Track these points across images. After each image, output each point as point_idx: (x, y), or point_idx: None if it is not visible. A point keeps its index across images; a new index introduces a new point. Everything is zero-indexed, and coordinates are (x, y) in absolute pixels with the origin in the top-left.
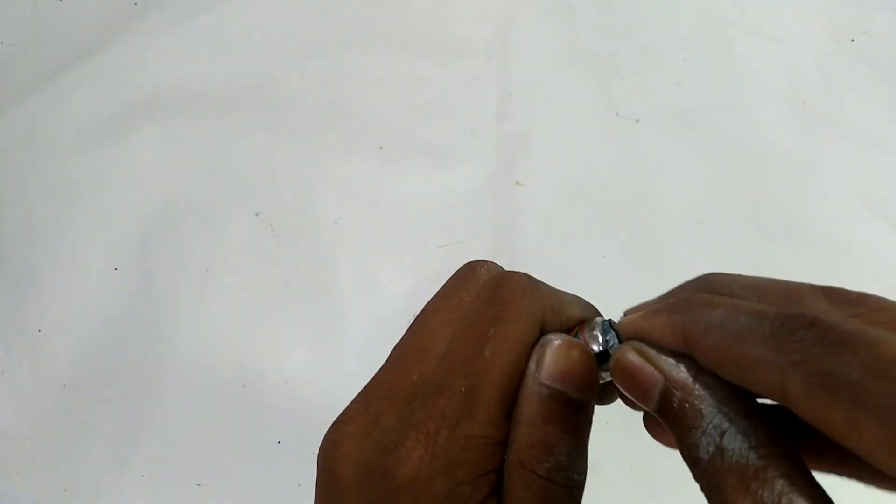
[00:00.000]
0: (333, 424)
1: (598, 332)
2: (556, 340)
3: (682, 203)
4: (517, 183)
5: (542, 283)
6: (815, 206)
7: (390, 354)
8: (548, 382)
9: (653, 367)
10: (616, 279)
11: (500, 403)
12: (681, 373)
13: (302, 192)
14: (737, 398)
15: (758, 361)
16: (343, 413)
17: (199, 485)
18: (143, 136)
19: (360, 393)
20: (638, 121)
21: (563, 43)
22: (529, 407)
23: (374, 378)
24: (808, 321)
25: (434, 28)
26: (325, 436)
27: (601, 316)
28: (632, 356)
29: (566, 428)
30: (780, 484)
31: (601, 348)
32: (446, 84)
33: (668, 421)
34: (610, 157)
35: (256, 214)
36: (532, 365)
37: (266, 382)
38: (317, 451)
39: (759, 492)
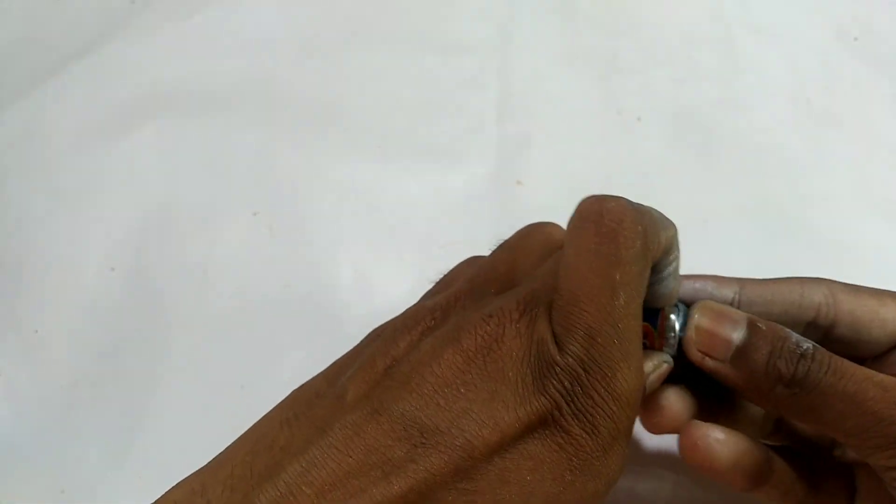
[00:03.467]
0: (486, 317)
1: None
2: None
3: (685, 202)
4: (518, 182)
5: (646, 210)
6: (819, 205)
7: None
8: None
9: (732, 309)
10: None
11: (640, 352)
12: (751, 315)
13: (301, 192)
14: None
15: None
16: (495, 307)
17: None
18: (141, 136)
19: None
20: (640, 119)
21: (564, 41)
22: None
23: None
24: None
25: (434, 27)
26: (479, 321)
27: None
28: (714, 304)
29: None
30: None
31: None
32: (446, 83)
33: (757, 346)
34: (611, 155)
35: (255, 214)
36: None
37: (265, 383)
38: None
39: (860, 368)
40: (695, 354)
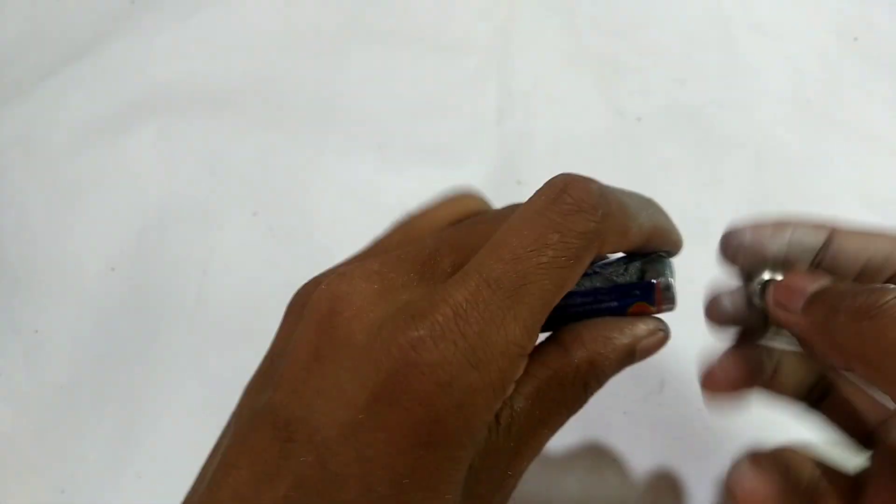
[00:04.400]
0: (333, 275)
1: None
2: None
3: (685, 202)
4: (518, 182)
5: (613, 196)
6: (819, 205)
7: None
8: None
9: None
10: None
11: (542, 315)
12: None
13: (300, 192)
14: None
15: None
16: (343, 265)
17: None
18: (140, 136)
19: (362, 251)
20: (640, 119)
21: (565, 41)
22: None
23: (383, 238)
24: None
25: (434, 26)
26: (322, 283)
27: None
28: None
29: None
30: None
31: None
32: (446, 83)
33: (835, 291)
34: (612, 155)
35: (254, 214)
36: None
37: None
38: None
39: None
40: (772, 301)
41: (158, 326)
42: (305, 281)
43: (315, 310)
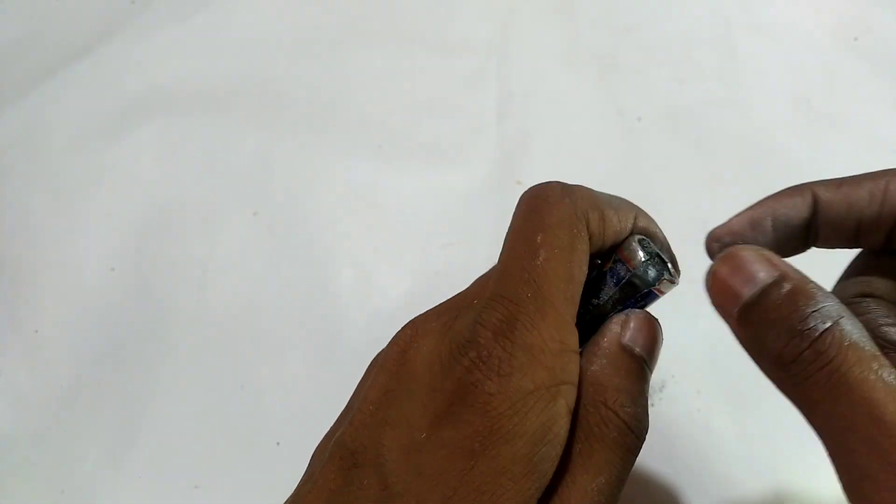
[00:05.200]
0: (410, 325)
1: (640, 252)
2: (640, 314)
3: (685, 203)
4: (518, 182)
5: (578, 186)
6: None
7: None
8: (631, 345)
9: (768, 262)
10: None
11: (567, 307)
12: (796, 271)
13: (300, 192)
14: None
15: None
16: (420, 317)
17: (196, 487)
18: (141, 136)
19: (435, 307)
20: (639, 120)
21: (564, 41)
22: (615, 358)
23: (452, 297)
24: None
25: (434, 27)
26: (402, 332)
27: (635, 209)
28: (746, 251)
29: (642, 386)
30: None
31: (656, 270)
32: (446, 83)
33: (762, 309)
34: (611, 156)
35: (254, 214)
36: (616, 328)
37: (264, 383)
38: (315, 446)
39: (880, 371)
40: (711, 299)
41: (158, 326)
42: (305, 281)
43: (386, 357)
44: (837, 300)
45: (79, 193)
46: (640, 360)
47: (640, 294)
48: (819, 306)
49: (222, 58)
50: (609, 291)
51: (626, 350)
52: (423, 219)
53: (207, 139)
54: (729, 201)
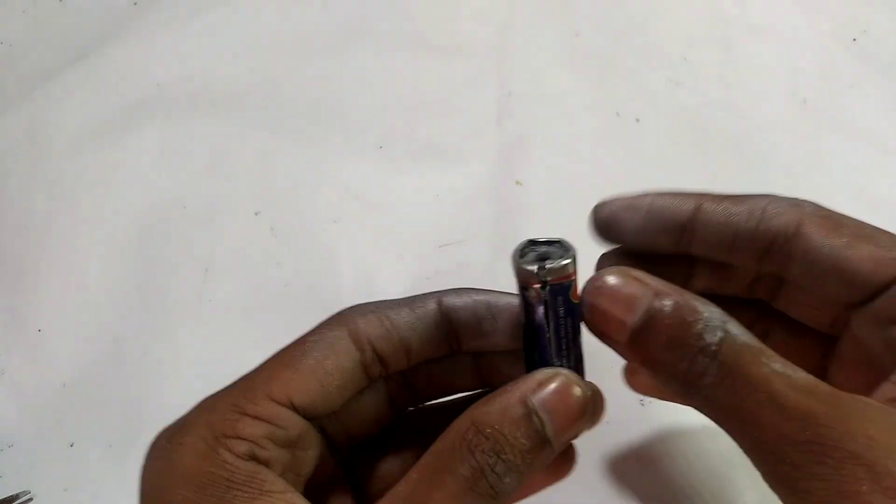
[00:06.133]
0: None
1: (533, 264)
2: (566, 380)
3: None
4: (517, 182)
5: (370, 308)
6: None
7: None
8: (536, 407)
9: (638, 282)
10: None
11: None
12: (667, 285)
13: (302, 192)
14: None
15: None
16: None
17: None
18: (142, 136)
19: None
20: (638, 120)
21: (564, 42)
22: (509, 409)
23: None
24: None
25: (434, 27)
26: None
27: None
28: (614, 279)
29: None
30: (779, 360)
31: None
32: (446, 83)
33: (653, 333)
34: (610, 156)
35: (256, 214)
36: (531, 381)
37: None
38: None
39: (770, 364)
40: (592, 330)
41: (160, 325)
42: (306, 280)
43: None
44: (711, 303)
45: (81, 193)
46: (536, 429)
47: (546, 294)
48: (704, 316)
49: (223, 59)
50: (537, 317)
51: (525, 408)
52: (424, 219)
53: (209, 139)
54: None
